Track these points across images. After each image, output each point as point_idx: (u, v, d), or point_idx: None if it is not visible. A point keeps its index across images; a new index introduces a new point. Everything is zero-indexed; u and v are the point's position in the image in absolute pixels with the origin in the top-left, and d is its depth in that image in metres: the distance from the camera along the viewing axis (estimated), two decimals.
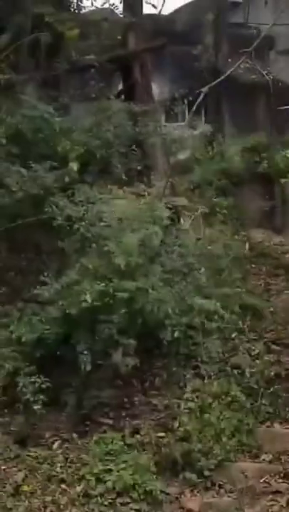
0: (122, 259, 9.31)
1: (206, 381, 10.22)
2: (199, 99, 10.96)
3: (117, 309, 9.25)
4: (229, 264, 11.60)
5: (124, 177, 12.07)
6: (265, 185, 16.03)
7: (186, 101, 20.00)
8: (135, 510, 8.58)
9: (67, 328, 9.55)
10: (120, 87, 17.05)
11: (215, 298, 10.78)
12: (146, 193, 10.94)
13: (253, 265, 12.99)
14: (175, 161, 14.85)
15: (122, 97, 15.14)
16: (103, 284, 9.21)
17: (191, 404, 9.86)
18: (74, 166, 10.84)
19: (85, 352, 9.28)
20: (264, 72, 14.60)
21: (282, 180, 11.25)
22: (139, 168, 12.54)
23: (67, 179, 10.69)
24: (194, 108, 11.68)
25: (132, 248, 9.69)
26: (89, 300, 9.07)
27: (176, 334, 9.63)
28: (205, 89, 11.02)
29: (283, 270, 13.42)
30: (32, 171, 10.44)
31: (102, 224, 10.10)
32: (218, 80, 11.76)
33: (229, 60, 18.54)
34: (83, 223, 10.10)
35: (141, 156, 13.38)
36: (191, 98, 18.90)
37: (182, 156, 15.78)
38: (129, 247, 9.66)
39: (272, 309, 12.11)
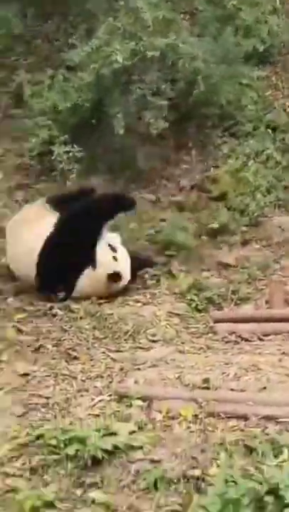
0: (150, 15, 9.02)
1: (240, 140, 10.21)
2: None
3: (148, 68, 9.09)
4: None
5: None
6: None
7: None
8: None
9: (100, 93, 9.42)
10: None
11: None
12: None
13: None
14: None
15: None
16: (133, 43, 8.99)
17: (226, 164, 9.91)
18: None
19: (118, 115, 9.17)
20: None
21: None
22: None
23: None
24: None
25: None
26: (120, 60, 8.88)
27: None
28: None
29: None
30: None
31: None
32: None
33: None
34: None
35: None
36: None
37: None
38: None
39: None
